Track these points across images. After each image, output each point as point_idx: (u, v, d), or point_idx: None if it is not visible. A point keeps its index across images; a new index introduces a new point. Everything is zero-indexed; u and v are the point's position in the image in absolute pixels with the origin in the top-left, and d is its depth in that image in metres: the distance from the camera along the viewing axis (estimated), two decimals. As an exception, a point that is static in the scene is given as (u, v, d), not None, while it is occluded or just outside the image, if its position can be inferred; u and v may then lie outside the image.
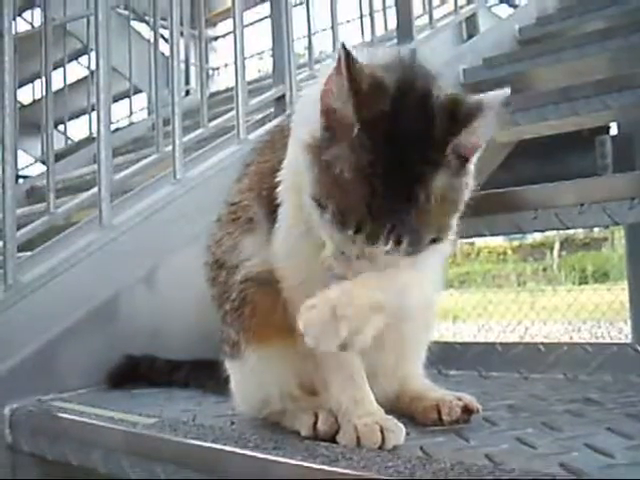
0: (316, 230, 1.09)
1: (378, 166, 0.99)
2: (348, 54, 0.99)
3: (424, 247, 1.04)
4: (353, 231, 1.01)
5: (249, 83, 2.64)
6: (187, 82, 5.06)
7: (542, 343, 1.77)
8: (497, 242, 10.22)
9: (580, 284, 8.67)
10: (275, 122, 2.39)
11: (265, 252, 1.22)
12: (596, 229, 9.27)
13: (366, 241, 1.01)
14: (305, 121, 1.11)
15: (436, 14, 3.51)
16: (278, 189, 1.19)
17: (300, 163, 1.09)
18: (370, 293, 1.04)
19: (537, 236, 9.96)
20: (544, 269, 9.68)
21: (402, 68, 1.07)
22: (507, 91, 1.03)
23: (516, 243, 10.40)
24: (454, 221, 1.07)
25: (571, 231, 9.27)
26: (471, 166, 1.07)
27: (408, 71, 1.07)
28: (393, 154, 0.99)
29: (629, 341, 2.85)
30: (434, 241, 1.04)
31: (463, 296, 7.77)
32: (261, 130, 2.45)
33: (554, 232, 8.57)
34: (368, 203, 0.99)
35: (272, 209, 1.20)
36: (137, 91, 4.69)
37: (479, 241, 9.63)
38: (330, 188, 1.03)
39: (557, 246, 9.82)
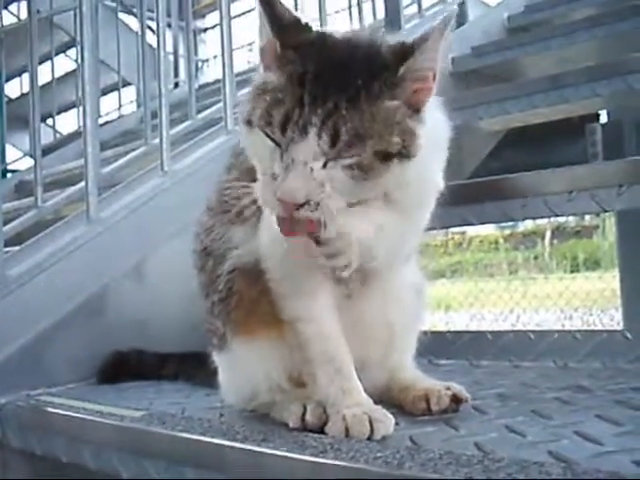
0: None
1: (310, 73, 1.00)
2: None
3: (367, 158, 0.99)
4: (280, 126, 0.99)
5: (238, 74, 2.62)
6: (176, 74, 5.04)
7: (532, 331, 1.77)
8: (488, 231, 10.20)
9: (572, 272, 8.68)
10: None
11: (253, 242, 1.21)
12: (587, 217, 9.27)
13: (296, 133, 0.98)
14: None
15: (425, 3, 3.50)
16: None
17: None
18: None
19: (528, 224, 9.95)
20: (536, 257, 9.68)
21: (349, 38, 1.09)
22: (454, 9, 1.04)
23: (507, 232, 10.39)
24: (400, 147, 1.02)
25: (562, 219, 9.28)
26: (423, 115, 1.05)
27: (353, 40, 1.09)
28: (329, 65, 1.01)
29: (619, 328, 2.85)
30: (382, 158, 1.00)
31: (455, 285, 7.78)
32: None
33: (545, 220, 8.58)
34: (298, 97, 0.98)
35: None
36: (126, 84, 4.66)
37: (470, 230, 9.63)
38: (257, 101, 1.03)
39: (548, 234, 9.82)
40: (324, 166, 0.98)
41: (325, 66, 1.01)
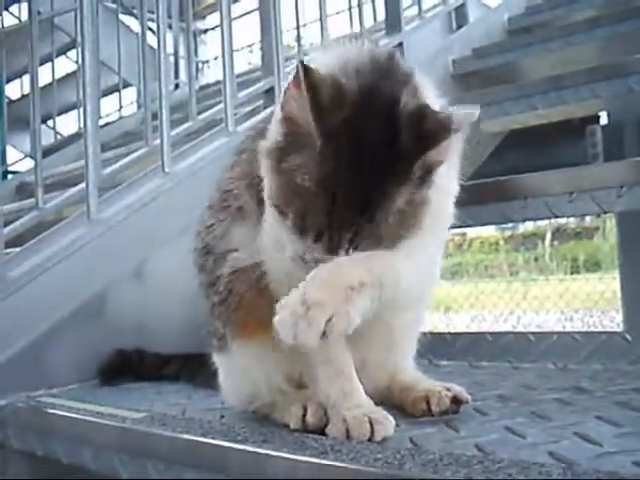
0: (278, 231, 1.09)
1: (340, 178, 1.00)
2: (306, 69, 1.00)
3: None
4: (312, 240, 1.02)
5: (239, 76, 2.62)
6: (176, 75, 5.04)
7: (532, 333, 1.77)
8: (489, 232, 10.20)
9: (572, 273, 8.67)
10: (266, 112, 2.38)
11: (253, 243, 1.21)
12: (588, 218, 9.27)
13: (324, 250, 1.02)
14: None
15: (425, 4, 3.50)
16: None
17: (261, 167, 1.09)
18: (347, 272, 1.03)
19: (529, 226, 9.94)
20: (536, 259, 9.67)
21: (370, 71, 1.07)
22: (477, 110, 1.03)
23: (508, 233, 10.37)
24: (412, 232, 1.07)
25: (563, 220, 9.28)
26: (433, 177, 1.06)
27: (376, 75, 1.07)
28: (355, 166, 1.00)
29: (619, 330, 2.86)
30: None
31: (455, 287, 7.76)
32: (250, 122, 2.44)
33: (546, 222, 8.57)
34: (329, 214, 1.00)
35: (263, 199, 1.19)
36: (127, 85, 4.66)
37: (471, 231, 9.63)
38: (290, 196, 1.03)
39: (549, 236, 9.81)
40: None
41: (356, 171, 1.00)
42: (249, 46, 5.61)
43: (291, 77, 1.04)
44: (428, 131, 1.01)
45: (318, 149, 1.01)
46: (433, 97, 1.14)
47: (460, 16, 3.56)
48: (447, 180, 1.14)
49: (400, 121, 1.03)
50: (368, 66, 1.08)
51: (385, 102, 1.04)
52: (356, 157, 1.00)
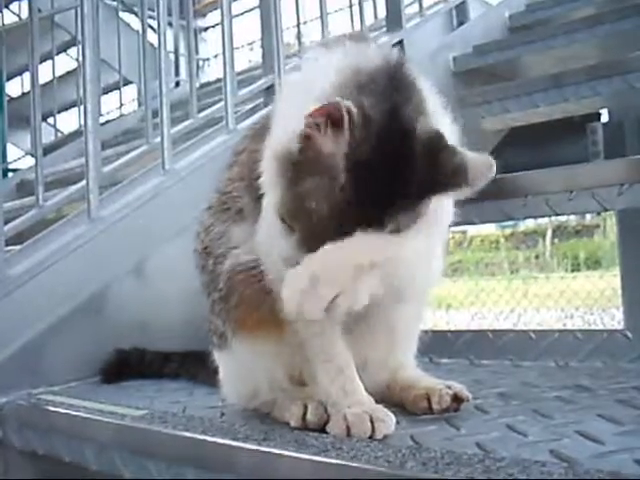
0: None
1: (352, 207, 0.98)
2: (350, 112, 0.97)
3: None
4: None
5: (239, 73, 2.63)
6: (177, 73, 5.03)
7: (533, 330, 1.77)
8: (489, 230, 10.21)
9: (572, 271, 8.68)
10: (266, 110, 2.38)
11: (253, 241, 1.21)
12: (588, 216, 9.28)
13: None
14: (288, 113, 1.10)
15: (426, 2, 3.50)
16: (261, 179, 1.17)
17: (268, 168, 1.08)
18: (359, 252, 1.01)
19: (529, 224, 9.96)
20: (536, 257, 9.69)
21: (386, 88, 1.04)
22: (494, 168, 1.02)
23: (508, 231, 10.39)
24: None
25: (563, 218, 9.29)
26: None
27: (391, 92, 1.04)
28: (369, 198, 0.98)
29: (620, 327, 2.85)
30: None
31: (456, 284, 7.76)
32: (250, 120, 2.44)
33: (546, 219, 8.57)
34: (336, 239, 0.98)
35: (261, 198, 1.19)
36: (127, 82, 4.66)
37: (471, 229, 9.63)
38: (300, 215, 1.01)
39: (549, 233, 9.82)
40: None
41: (368, 203, 0.99)
42: (250, 44, 5.60)
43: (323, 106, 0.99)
44: (443, 176, 1.00)
45: (339, 182, 0.98)
46: (436, 104, 1.13)
47: (461, 13, 3.56)
48: None
49: (416, 157, 1.00)
50: (382, 80, 1.05)
51: (403, 132, 1.01)
52: (371, 191, 0.99)
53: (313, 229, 0.99)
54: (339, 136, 0.98)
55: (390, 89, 1.04)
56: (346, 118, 0.97)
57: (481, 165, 1.01)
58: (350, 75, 1.06)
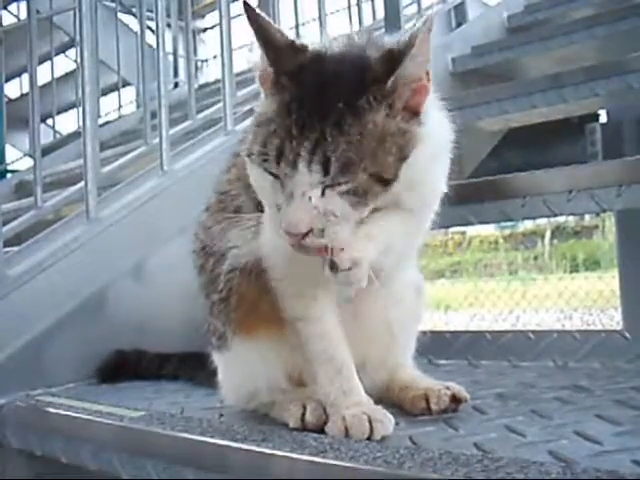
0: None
1: (299, 100, 1.00)
2: (248, 7, 1.05)
3: (364, 182, 0.99)
4: (275, 159, 1.00)
5: (238, 75, 2.62)
6: (176, 74, 5.03)
7: (531, 331, 1.77)
8: (488, 231, 10.21)
9: (571, 272, 8.70)
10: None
11: (252, 241, 1.21)
12: (587, 217, 9.28)
13: (289, 167, 0.99)
14: None
15: (424, 2, 3.50)
16: None
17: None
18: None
19: (528, 224, 9.95)
20: (535, 257, 9.69)
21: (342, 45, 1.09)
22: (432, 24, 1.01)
23: (507, 232, 10.39)
24: (398, 166, 1.02)
25: (562, 219, 9.28)
26: (423, 117, 1.06)
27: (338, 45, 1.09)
28: (316, 89, 1.01)
29: (619, 328, 2.85)
30: (379, 181, 1.01)
31: (455, 285, 7.78)
32: (249, 121, 2.44)
33: (545, 220, 8.58)
34: (288, 128, 0.99)
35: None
36: (126, 84, 4.66)
37: (470, 230, 9.64)
38: (257, 134, 1.04)
39: (548, 234, 9.82)
40: (323, 194, 0.99)
41: (313, 91, 1.01)
42: (248, 45, 5.60)
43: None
44: (395, 51, 1.02)
45: (277, 84, 1.04)
46: (429, 102, 1.14)
47: (459, 14, 3.56)
48: (433, 162, 1.11)
49: (364, 55, 1.05)
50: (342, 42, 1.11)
51: (353, 52, 1.07)
52: (317, 83, 1.02)
53: (267, 134, 1.02)
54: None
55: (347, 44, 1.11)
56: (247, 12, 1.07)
57: (416, 30, 1.01)
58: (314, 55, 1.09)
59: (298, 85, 1.03)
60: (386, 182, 1.01)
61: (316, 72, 1.04)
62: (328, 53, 1.08)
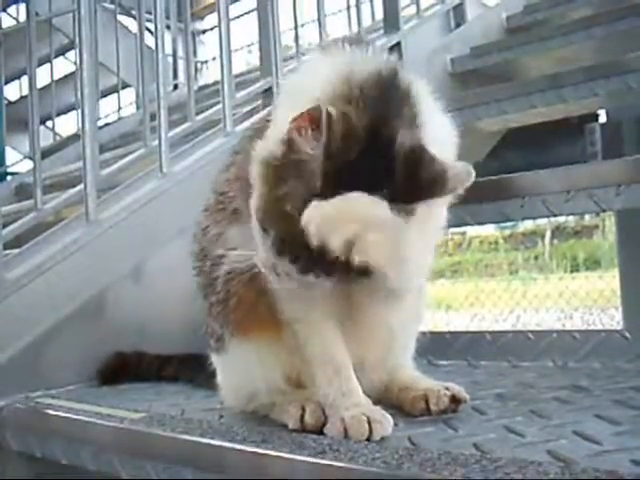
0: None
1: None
2: (329, 116, 0.98)
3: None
4: (289, 261, 1.03)
5: (237, 76, 2.63)
6: (175, 76, 5.03)
7: (531, 331, 1.77)
8: (488, 231, 10.22)
9: (572, 272, 8.70)
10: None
11: (250, 244, 1.21)
12: (587, 217, 9.29)
13: (298, 272, 1.03)
14: (279, 120, 1.11)
15: (423, 3, 3.50)
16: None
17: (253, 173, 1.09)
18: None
19: (528, 225, 9.96)
20: (536, 257, 9.70)
21: (374, 98, 1.05)
22: (472, 175, 1.03)
23: (507, 232, 10.40)
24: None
25: (562, 219, 9.29)
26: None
27: (379, 102, 1.04)
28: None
29: (619, 328, 2.86)
30: None
31: (455, 286, 7.79)
32: (248, 123, 2.44)
33: (545, 220, 8.58)
34: (307, 242, 0.99)
35: None
36: (125, 86, 4.65)
37: (470, 230, 9.65)
38: (276, 219, 1.03)
39: (548, 234, 9.83)
40: None
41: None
42: (247, 46, 5.60)
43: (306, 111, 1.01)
44: (422, 184, 1.01)
45: (314, 186, 0.99)
46: (431, 106, 1.14)
47: (458, 15, 3.55)
48: None
49: (396, 165, 1.01)
50: (371, 90, 1.06)
51: (382, 143, 1.02)
52: None
53: (287, 231, 1.01)
54: (318, 139, 0.99)
55: (377, 100, 1.05)
56: (324, 121, 0.97)
57: (460, 172, 1.02)
58: (341, 83, 1.06)
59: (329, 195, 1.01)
60: None
61: (349, 184, 1.00)
62: (366, 142, 1.02)
